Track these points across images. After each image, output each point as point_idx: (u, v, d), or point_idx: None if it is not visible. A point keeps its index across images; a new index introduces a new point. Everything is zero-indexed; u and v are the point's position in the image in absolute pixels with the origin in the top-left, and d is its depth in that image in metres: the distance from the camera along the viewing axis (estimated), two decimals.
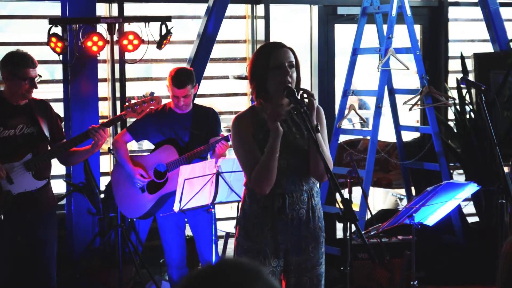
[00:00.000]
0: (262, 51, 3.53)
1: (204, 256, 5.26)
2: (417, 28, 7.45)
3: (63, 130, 4.68)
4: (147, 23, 5.89)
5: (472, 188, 4.59)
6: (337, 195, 3.21)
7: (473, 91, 6.64)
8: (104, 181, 6.25)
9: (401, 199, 7.85)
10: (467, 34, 7.97)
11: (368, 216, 5.92)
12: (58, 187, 6.54)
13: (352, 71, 6.50)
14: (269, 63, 3.43)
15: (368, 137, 6.24)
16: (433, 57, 7.48)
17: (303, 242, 3.56)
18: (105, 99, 6.53)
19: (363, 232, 4.26)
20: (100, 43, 5.76)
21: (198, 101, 6.17)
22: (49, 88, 6.99)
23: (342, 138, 6.64)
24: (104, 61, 6.45)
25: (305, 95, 3.44)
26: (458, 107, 6.59)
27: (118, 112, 6.08)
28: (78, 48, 5.87)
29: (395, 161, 6.76)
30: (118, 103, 6.18)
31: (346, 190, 5.36)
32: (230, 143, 4.75)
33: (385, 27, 6.27)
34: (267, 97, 3.50)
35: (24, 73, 4.34)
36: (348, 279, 3.38)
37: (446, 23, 7.52)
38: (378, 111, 6.17)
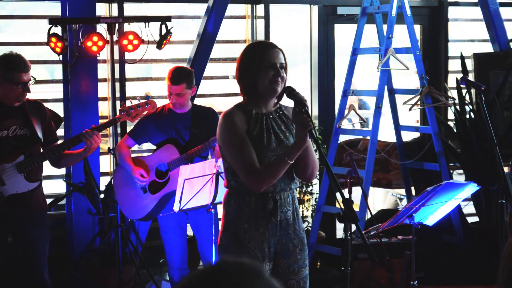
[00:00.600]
0: (253, 50, 3.50)
1: (206, 256, 5.26)
2: (417, 28, 7.45)
3: (57, 132, 4.65)
4: (147, 23, 5.89)
5: (472, 188, 4.58)
6: (338, 195, 3.21)
7: (473, 91, 6.64)
8: (104, 181, 6.25)
9: (401, 199, 7.85)
10: (467, 34, 7.97)
11: (368, 216, 5.92)
12: (58, 187, 6.55)
13: (352, 71, 6.50)
14: (261, 62, 3.41)
15: (368, 137, 6.24)
16: (433, 57, 7.48)
17: (291, 244, 3.52)
18: (105, 99, 6.53)
19: (363, 232, 4.26)
20: (100, 43, 5.76)
21: (198, 101, 6.17)
22: (49, 88, 7.00)
23: (342, 138, 6.63)
24: (104, 61, 6.45)
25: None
26: (458, 107, 6.59)
27: (118, 113, 6.08)
28: (78, 48, 5.87)
29: (395, 161, 6.76)
30: (118, 103, 6.18)
31: (346, 190, 5.36)
32: None
33: (385, 27, 6.27)
34: (256, 95, 3.47)
35: (17, 78, 4.29)
36: (348, 279, 3.38)
37: (446, 23, 7.52)
38: (378, 111, 6.17)
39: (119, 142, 5.35)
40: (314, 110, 7.07)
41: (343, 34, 7.41)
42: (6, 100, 4.37)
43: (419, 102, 6.28)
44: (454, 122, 6.83)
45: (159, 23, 5.94)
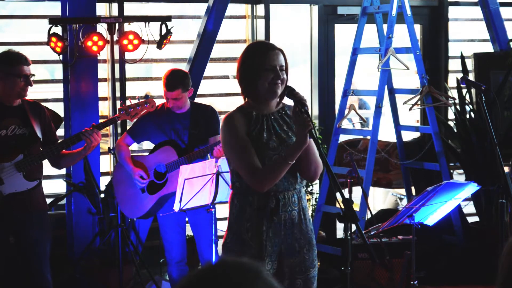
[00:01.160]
0: (254, 51, 3.50)
1: (204, 256, 5.26)
2: (417, 28, 7.44)
3: (56, 132, 4.65)
4: (147, 23, 5.89)
5: (472, 188, 4.58)
6: (338, 195, 3.20)
7: (473, 91, 6.64)
8: (104, 181, 6.25)
9: (401, 199, 7.85)
10: (467, 34, 7.97)
11: (368, 216, 5.92)
12: (58, 187, 6.55)
13: (352, 71, 6.50)
14: (261, 65, 3.42)
15: (368, 137, 6.24)
16: (433, 57, 7.48)
17: (297, 244, 3.53)
18: (105, 99, 6.53)
19: (363, 232, 4.26)
20: (100, 43, 5.76)
21: (197, 101, 6.16)
22: (49, 88, 7.00)
23: (342, 138, 6.64)
24: (104, 61, 6.45)
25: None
26: (458, 107, 6.59)
27: (117, 112, 6.08)
28: (78, 48, 5.87)
29: (395, 161, 6.76)
30: (118, 103, 6.18)
31: (346, 190, 5.36)
32: None
33: (385, 27, 6.27)
34: (256, 97, 3.48)
35: (19, 70, 4.32)
36: (348, 279, 3.37)
37: (446, 23, 7.52)
38: (378, 111, 6.17)
39: (118, 140, 5.36)
40: (314, 110, 7.07)
41: (343, 34, 7.40)
42: (5, 98, 4.37)
43: (419, 102, 6.28)
44: (454, 122, 6.83)
45: (159, 23, 5.94)
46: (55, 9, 6.51)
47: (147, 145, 6.26)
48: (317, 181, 6.64)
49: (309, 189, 6.61)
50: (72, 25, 5.89)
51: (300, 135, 3.33)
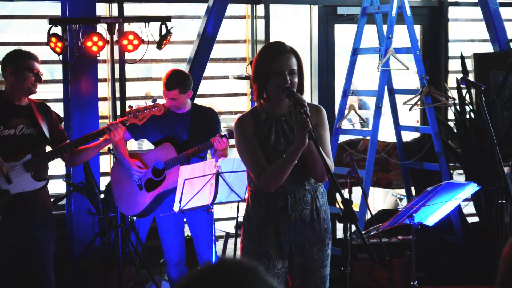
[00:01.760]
0: (266, 54, 3.52)
1: (202, 256, 5.27)
2: (417, 28, 7.45)
3: (64, 132, 4.66)
4: (147, 23, 5.89)
5: (472, 188, 4.58)
6: (337, 195, 3.20)
7: (473, 91, 6.64)
8: (104, 181, 6.25)
9: (401, 199, 7.85)
10: (467, 34, 7.98)
11: (368, 216, 5.92)
12: (58, 187, 6.55)
13: (352, 71, 6.51)
14: (271, 68, 3.45)
15: (368, 137, 6.24)
16: (433, 57, 7.48)
17: (307, 243, 3.56)
18: (105, 99, 6.53)
19: (363, 232, 4.26)
20: (100, 43, 5.76)
21: (198, 101, 6.17)
22: (49, 88, 6.99)
23: (342, 138, 6.64)
24: (104, 61, 6.45)
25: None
26: (458, 107, 6.59)
27: (118, 112, 6.09)
28: (78, 48, 5.87)
29: (395, 161, 6.76)
30: (118, 103, 6.18)
31: (346, 190, 5.36)
32: (231, 141, 4.75)
33: (385, 27, 6.27)
34: (267, 98, 3.52)
35: (30, 64, 4.36)
36: (348, 279, 3.37)
37: (446, 23, 7.52)
38: (378, 111, 6.17)
39: None
40: None
41: (343, 34, 7.41)
42: (14, 95, 4.37)
43: (419, 102, 6.28)
44: (454, 122, 6.83)
45: (159, 23, 5.94)
46: (55, 9, 6.51)
47: (147, 145, 6.26)
48: None
49: None
50: (72, 25, 5.89)
51: (299, 135, 3.34)
